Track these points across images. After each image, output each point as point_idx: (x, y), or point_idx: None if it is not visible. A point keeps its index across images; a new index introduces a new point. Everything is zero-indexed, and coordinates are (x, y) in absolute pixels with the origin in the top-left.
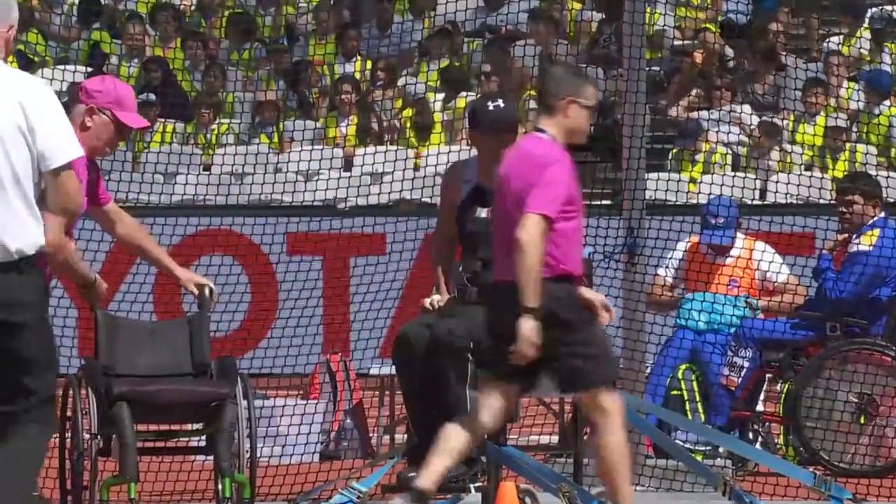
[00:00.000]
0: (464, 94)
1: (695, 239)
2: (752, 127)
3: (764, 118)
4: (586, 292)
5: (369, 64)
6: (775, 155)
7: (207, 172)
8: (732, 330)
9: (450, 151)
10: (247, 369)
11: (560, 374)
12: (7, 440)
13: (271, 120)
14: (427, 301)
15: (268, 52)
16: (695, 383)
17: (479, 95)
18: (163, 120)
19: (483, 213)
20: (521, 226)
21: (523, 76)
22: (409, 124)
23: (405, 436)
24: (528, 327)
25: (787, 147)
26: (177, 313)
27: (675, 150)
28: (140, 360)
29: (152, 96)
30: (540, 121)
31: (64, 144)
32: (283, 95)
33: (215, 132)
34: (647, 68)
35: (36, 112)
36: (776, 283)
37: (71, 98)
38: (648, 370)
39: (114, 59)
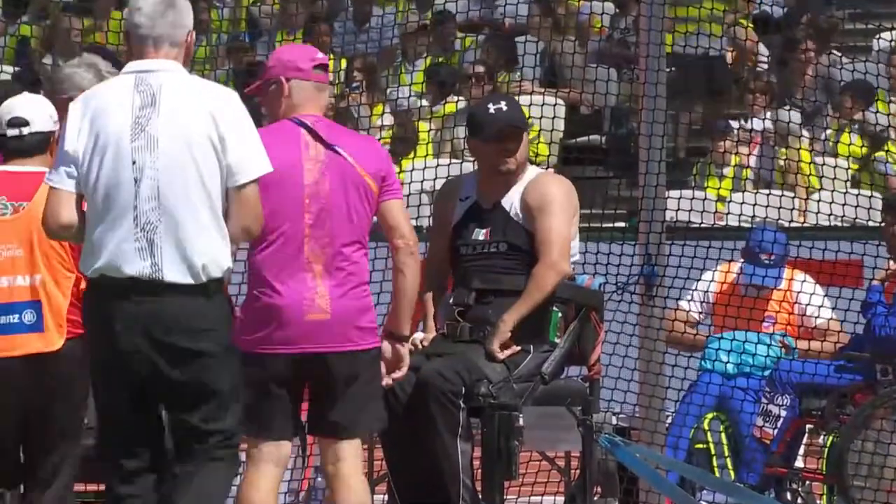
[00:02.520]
0: (453, 98)
1: (726, 268)
2: (791, 136)
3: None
4: None
5: (343, 63)
6: (814, 169)
7: None
8: (767, 373)
9: (437, 165)
10: None
11: None
12: (192, 480)
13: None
14: (410, 339)
15: (227, 49)
16: (723, 435)
17: (470, 100)
18: None
19: (481, 234)
20: None
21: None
22: (389, 134)
23: (385, 497)
24: None
25: (830, 160)
26: None
27: (699, 163)
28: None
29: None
30: None
31: (254, 159)
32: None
33: None
34: (669, 69)
35: (227, 123)
36: (816, 324)
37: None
38: (669, 420)
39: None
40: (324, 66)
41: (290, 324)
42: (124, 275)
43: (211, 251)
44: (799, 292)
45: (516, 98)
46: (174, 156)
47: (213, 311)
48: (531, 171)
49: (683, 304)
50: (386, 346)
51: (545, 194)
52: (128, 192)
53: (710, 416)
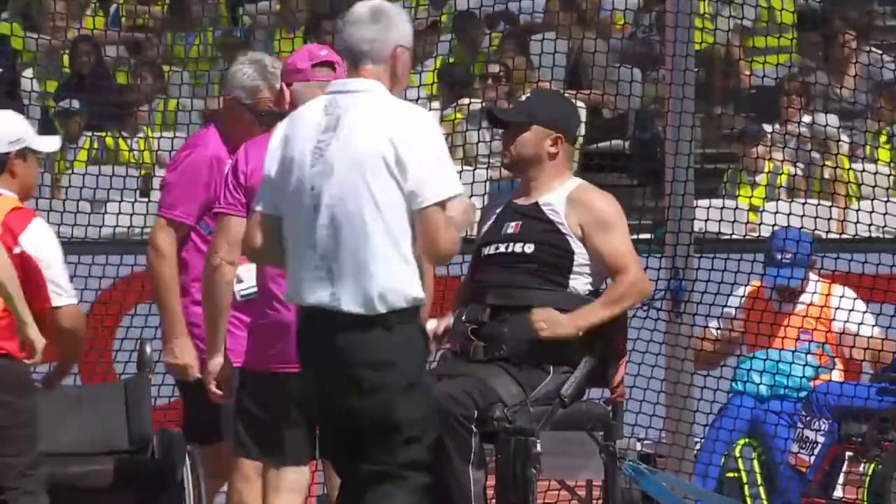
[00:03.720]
0: (466, 100)
1: (757, 282)
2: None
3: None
4: None
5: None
6: (854, 176)
7: (146, 199)
8: (803, 395)
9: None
10: None
11: None
12: None
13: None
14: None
15: (220, 46)
16: (756, 462)
17: (483, 102)
18: (89, 134)
19: (510, 227)
20: None
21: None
22: None
23: None
24: None
25: (871, 166)
26: (108, 376)
27: (730, 171)
28: (63, 435)
29: (76, 104)
30: None
31: (436, 181)
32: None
33: (155, 148)
34: (697, 69)
35: (407, 146)
36: (857, 337)
37: None
38: (698, 446)
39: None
40: (328, 64)
41: None
42: (307, 304)
43: (390, 280)
44: (837, 308)
45: None
46: (348, 182)
47: (390, 342)
48: (572, 181)
49: (713, 322)
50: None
51: (604, 210)
52: (308, 219)
53: (741, 442)
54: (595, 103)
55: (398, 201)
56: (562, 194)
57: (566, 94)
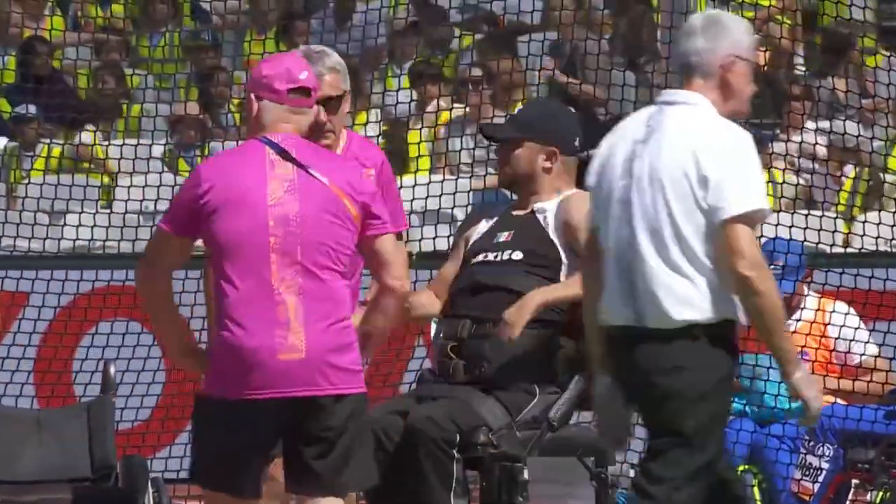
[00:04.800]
0: (447, 105)
1: None
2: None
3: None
4: None
5: None
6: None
7: (108, 210)
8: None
9: (430, 182)
10: (160, 472)
11: None
12: None
13: (193, 141)
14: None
15: (186, 48)
16: (756, 490)
17: (465, 107)
18: (47, 141)
19: (502, 236)
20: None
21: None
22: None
23: None
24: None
25: (880, 175)
26: (68, 398)
27: None
28: (20, 462)
29: (32, 109)
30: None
31: (735, 197)
32: (209, 107)
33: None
34: None
35: (711, 161)
36: (861, 361)
37: None
38: None
39: None
40: (305, 91)
41: (259, 365)
42: (610, 323)
43: (686, 295)
44: (828, 324)
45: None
46: (650, 197)
47: (687, 350)
48: (568, 190)
49: None
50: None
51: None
52: (615, 233)
53: (741, 468)
54: (590, 102)
55: (699, 216)
56: (555, 200)
57: (560, 95)
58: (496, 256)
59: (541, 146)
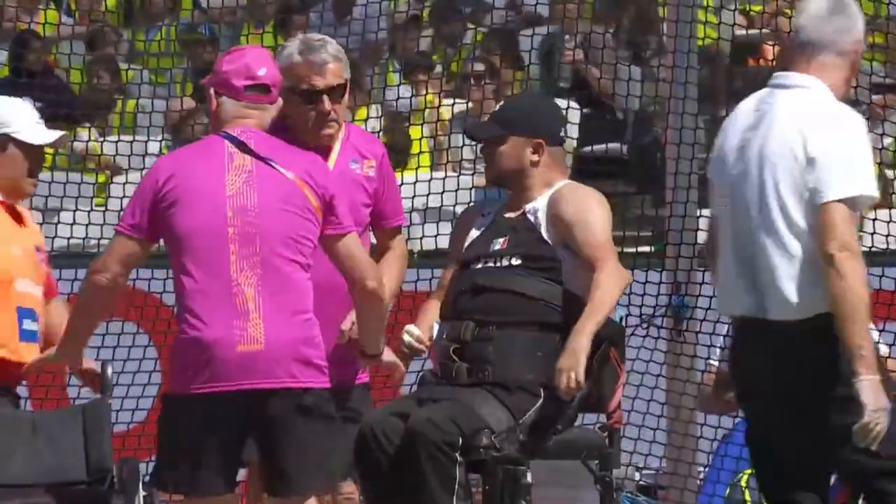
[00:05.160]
0: (449, 100)
1: None
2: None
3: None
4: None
5: None
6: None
7: (103, 208)
8: None
9: (431, 179)
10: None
11: None
12: None
13: (191, 137)
14: (405, 334)
15: (183, 43)
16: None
17: (468, 103)
18: None
19: (497, 244)
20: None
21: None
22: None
23: None
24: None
25: (889, 172)
26: (62, 400)
27: None
28: (13, 465)
29: (27, 102)
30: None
31: (839, 180)
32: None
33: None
34: (699, 67)
35: (818, 144)
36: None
37: None
38: (701, 476)
39: None
40: (263, 87)
41: (218, 358)
42: (734, 314)
43: (801, 283)
44: None
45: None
46: (761, 182)
47: (819, 348)
48: (561, 182)
49: (715, 358)
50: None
51: (580, 205)
52: (731, 223)
53: (748, 472)
54: (600, 97)
55: (807, 201)
56: (546, 196)
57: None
58: (494, 263)
59: (526, 140)
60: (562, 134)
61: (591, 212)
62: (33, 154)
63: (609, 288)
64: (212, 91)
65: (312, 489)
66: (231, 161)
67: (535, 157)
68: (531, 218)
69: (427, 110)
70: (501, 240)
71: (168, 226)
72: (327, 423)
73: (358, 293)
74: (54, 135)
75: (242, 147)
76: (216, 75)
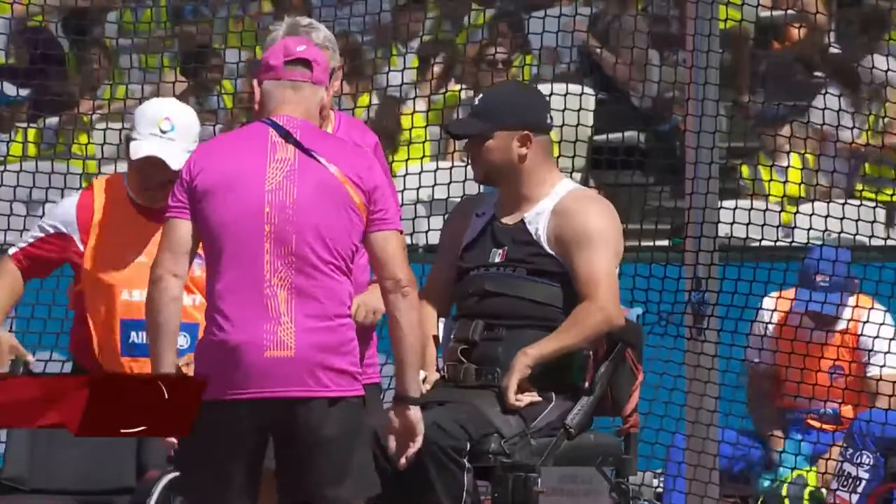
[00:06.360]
0: (454, 85)
1: (785, 305)
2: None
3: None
4: None
5: None
6: None
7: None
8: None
9: (437, 170)
10: None
11: None
12: None
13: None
14: None
15: (171, 26)
16: (786, 501)
17: (476, 88)
18: (24, 125)
19: (497, 255)
20: None
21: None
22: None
23: None
24: None
25: None
26: None
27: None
28: (66, 470)
29: (23, 92)
30: None
31: None
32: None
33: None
34: (721, 50)
35: None
36: (882, 374)
37: None
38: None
39: None
40: (304, 62)
41: (246, 363)
42: None
43: None
44: (861, 335)
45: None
46: None
47: None
48: (563, 185)
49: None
50: (391, 415)
51: (586, 224)
52: None
53: (797, 472)
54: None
55: None
56: (548, 205)
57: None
58: (496, 272)
59: (511, 132)
60: (548, 122)
61: (595, 240)
62: (137, 164)
63: (585, 325)
64: (255, 82)
65: (346, 502)
66: (273, 153)
67: (524, 150)
68: (531, 230)
69: (432, 96)
70: (500, 251)
71: (203, 216)
72: (361, 434)
73: (392, 297)
74: (143, 152)
75: (287, 137)
76: (258, 67)
